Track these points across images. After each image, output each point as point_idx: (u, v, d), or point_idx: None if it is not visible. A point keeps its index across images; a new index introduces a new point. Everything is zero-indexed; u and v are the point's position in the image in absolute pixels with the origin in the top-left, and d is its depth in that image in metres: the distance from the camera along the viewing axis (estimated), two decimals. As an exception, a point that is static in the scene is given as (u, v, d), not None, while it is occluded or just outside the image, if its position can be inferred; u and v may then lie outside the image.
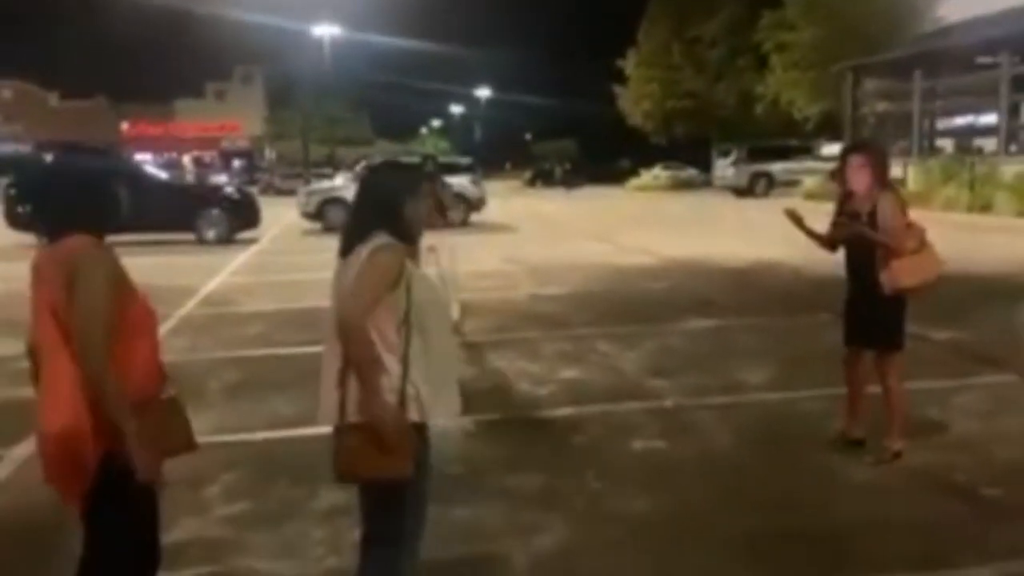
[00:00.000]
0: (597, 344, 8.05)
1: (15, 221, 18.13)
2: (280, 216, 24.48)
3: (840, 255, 5.08)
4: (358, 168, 27.07)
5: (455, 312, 8.79)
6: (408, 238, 3.01)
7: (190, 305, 10.73)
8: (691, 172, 50.21)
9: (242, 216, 19.57)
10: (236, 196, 21.20)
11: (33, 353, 2.79)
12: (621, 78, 53.58)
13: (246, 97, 71.09)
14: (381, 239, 2.89)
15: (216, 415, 6.05)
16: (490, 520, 4.26)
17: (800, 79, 35.55)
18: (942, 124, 29.33)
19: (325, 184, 26.32)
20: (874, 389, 5.04)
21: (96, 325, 2.57)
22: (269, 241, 19.60)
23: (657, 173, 50.49)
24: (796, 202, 27.61)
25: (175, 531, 3.99)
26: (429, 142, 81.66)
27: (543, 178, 60.55)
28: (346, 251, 2.98)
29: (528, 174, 63.89)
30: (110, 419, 2.58)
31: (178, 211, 18.48)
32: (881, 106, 31.01)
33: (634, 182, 50.60)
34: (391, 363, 2.84)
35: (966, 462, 4.85)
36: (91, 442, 2.59)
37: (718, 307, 9.96)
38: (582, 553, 3.93)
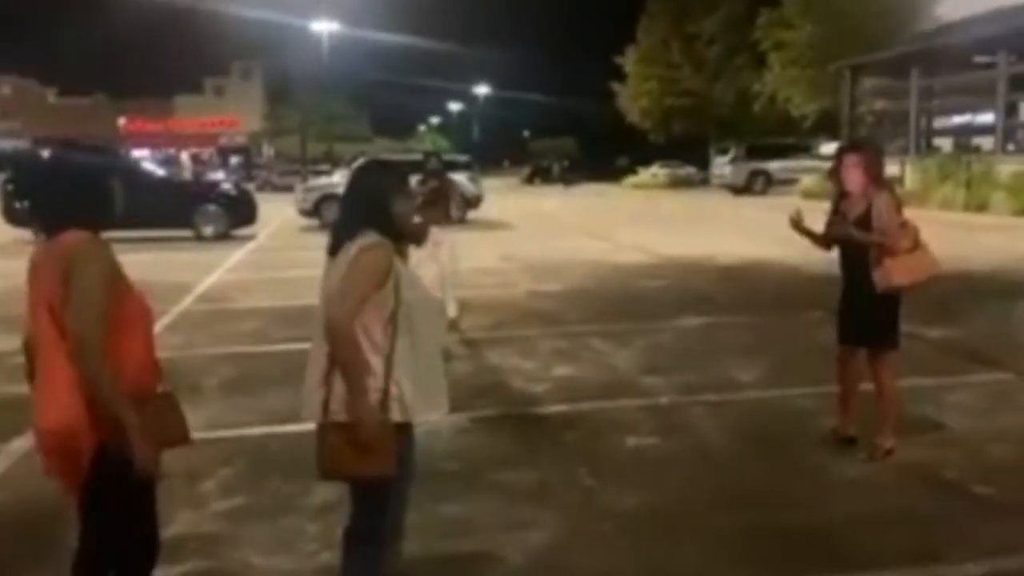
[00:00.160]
0: (593, 341, 8.07)
1: (13, 217, 18.15)
2: (277, 213, 24.49)
3: (835, 253, 5.11)
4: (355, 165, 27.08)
5: (452, 309, 8.84)
6: (396, 236, 3.01)
7: (187, 301, 10.75)
8: (689, 170, 50.23)
9: (239, 213, 19.61)
10: (233, 193, 21.24)
11: (29, 348, 2.82)
12: (620, 76, 53.58)
13: (244, 93, 70.98)
14: (369, 238, 2.90)
15: (212, 411, 6.07)
16: (484, 516, 4.29)
17: (798, 77, 35.59)
18: (940, 123, 29.38)
19: (323, 181, 26.31)
20: (867, 387, 5.07)
21: (92, 320, 2.59)
22: (266, 238, 19.61)
23: (655, 171, 50.51)
24: (794, 200, 27.67)
25: (172, 525, 4.01)
26: (427, 139, 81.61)
27: (541, 175, 60.60)
28: (335, 249, 2.99)
29: (526, 171, 63.94)
30: (110, 413, 2.60)
31: (175, 207, 18.51)
32: (879, 104, 31.07)
33: (632, 180, 50.63)
34: (375, 363, 2.85)
35: (958, 459, 4.87)
36: (87, 436, 2.62)
37: (713, 305, 9.99)
38: (576, 549, 3.95)
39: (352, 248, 2.89)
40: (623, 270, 13.13)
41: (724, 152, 38.18)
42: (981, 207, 20.92)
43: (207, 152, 69.43)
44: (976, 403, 5.91)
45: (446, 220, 8.96)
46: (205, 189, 22.06)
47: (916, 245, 4.86)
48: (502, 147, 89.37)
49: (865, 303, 4.88)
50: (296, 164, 47.95)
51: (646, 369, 7.05)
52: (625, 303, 10.36)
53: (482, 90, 78.65)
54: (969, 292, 9.83)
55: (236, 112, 69.46)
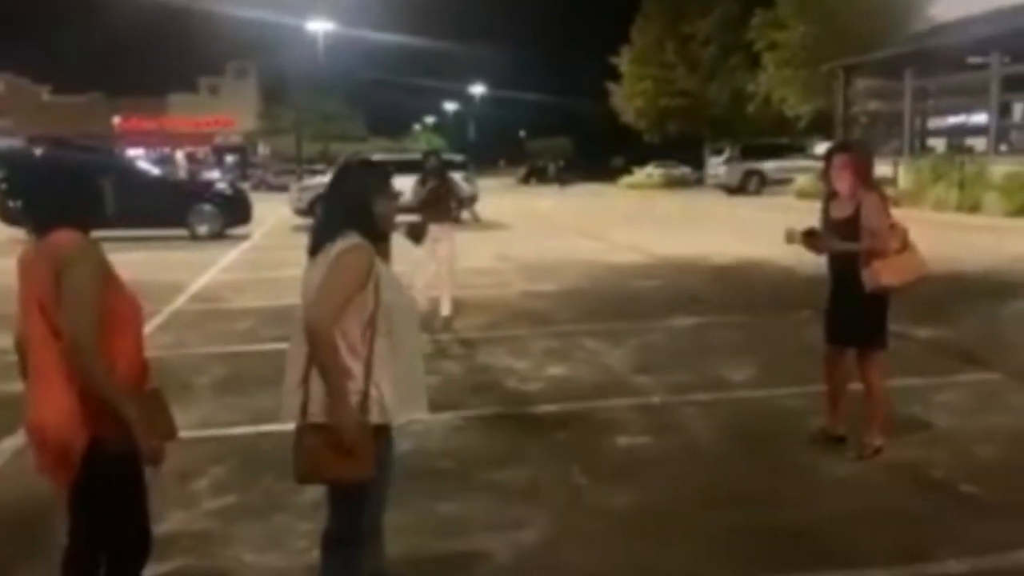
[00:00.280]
0: (586, 341, 8.10)
1: (7, 216, 18.10)
2: (272, 212, 24.49)
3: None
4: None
5: (447, 307, 8.86)
6: (377, 237, 3.00)
7: (180, 301, 10.76)
8: (684, 170, 50.27)
9: (234, 212, 19.63)
10: (228, 192, 21.26)
11: (21, 346, 2.84)
12: (615, 75, 53.61)
13: (240, 92, 70.84)
14: (350, 239, 2.89)
15: (204, 410, 6.10)
16: (477, 515, 4.31)
17: (792, 77, 35.61)
18: (933, 123, 29.45)
19: (318, 180, 26.25)
20: (855, 386, 5.10)
21: (85, 321, 2.62)
22: (261, 237, 19.61)
23: (650, 171, 50.53)
24: (788, 201, 27.74)
25: (164, 523, 4.03)
26: (423, 139, 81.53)
27: (537, 175, 60.62)
28: (315, 250, 2.97)
29: (522, 171, 63.96)
30: (110, 408, 2.63)
31: (170, 207, 18.53)
32: (873, 105, 31.12)
33: (627, 180, 50.65)
34: (354, 365, 2.83)
35: (945, 458, 4.91)
36: (79, 432, 2.64)
37: (706, 304, 10.03)
38: (567, 548, 3.98)
39: (332, 250, 2.87)
40: (617, 270, 13.16)
41: (719, 152, 38.22)
42: (974, 208, 20.97)
43: (202, 151, 69.33)
44: (964, 403, 5.95)
45: (446, 218, 9.01)
46: (200, 188, 22.08)
47: (905, 246, 4.89)
48: (498, 147, 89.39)
49: (854, 303, 4.92)
50: (291, 163, 47.93)
51: (638, 369, 7.08)
52: (619, 303, 10.39)
53: (478, 89, 78.61)
54: (960, 292, 9.88)
55: (231, 111, 69.33)
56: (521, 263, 14.06)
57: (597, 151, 68.76)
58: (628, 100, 52.69)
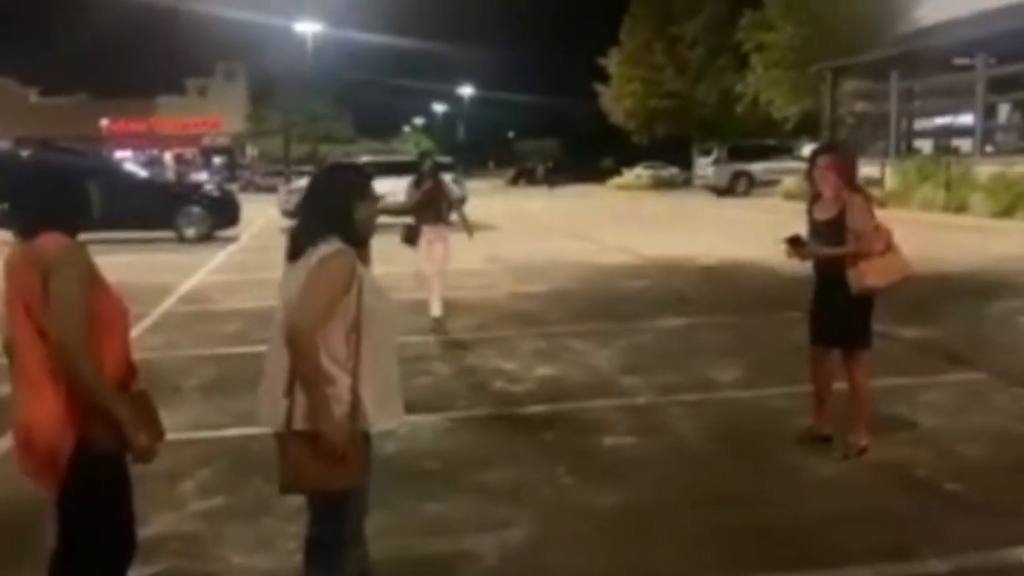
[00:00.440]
0: (573, 342, 8.13)
1: (-5, 218, 18.01)
2: (260, 213, 24.43)
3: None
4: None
5: (437, 308, 8.87)
6: (358, 241, 2.95)
7: (168, 303, 10.74)
8: (672, 171, 50.35)
9: (222, 214, 19.59)
10: (216, 194, 21.23)
11: (8, 349, 2.84)
12: (603, 77, 53.70)
13: (228, 94, 70.59)
14: (332, 244, 2.85)
15: (193, 412, 6.10)
16: (463, 515, 4.33)
17: (780, 79, 35.72)
18: (920, 125, 29.61)
19: (306, 182, 26.27)
20: (840, 386, 5.14)
21: (73, 324, 2.62)
22: (249, 238, 19.57)
23: (639, 172, 50.61)
24: (776, 202, 27.83)
25: (152, 526, 4.04)
26: (412, 140, 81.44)
27: (526, 177, 60.64)
28: (294, 255, 2.92)
29: (511, 173, 64.00)
30: (101, 409, 2.64)
31: (158, 209, 18.48)
32: (859, 106, 31.27)
33: (616, 181, 50.72)
34: (335, 371, 2.80)
35: (930, 458, 4.95)
36: (67, 433, 2.65)
37: (693, 305, 10.07)
38: (553, 548, 4.00)
39: (314, 255, 2.83)
40: (606, 271, 13.20)
41: (707, 153, 38.30)
42: (960, 208, 21.10)
43: (190, 152, 69.08)
44: (949, 402, 5.99)
45: (441, 220, 9.05)
46: (188, 190, 22.03)
47: (889, 247, 4.93)
48: (487, 148, 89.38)
49: (840, 304, 4.95)
50: (279, 165, 47.81)
51: (626, 369, 7.11)
52: (607, 304, 10.42)
53: (467, 91, 78.57)
54: (946, 293, 9.94)
55: (219, 113, 69.10)
56: (510, 264, 14.08)
57: (586, 152, 68.82)
58: (617, 101, 52.79)
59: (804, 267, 5.43)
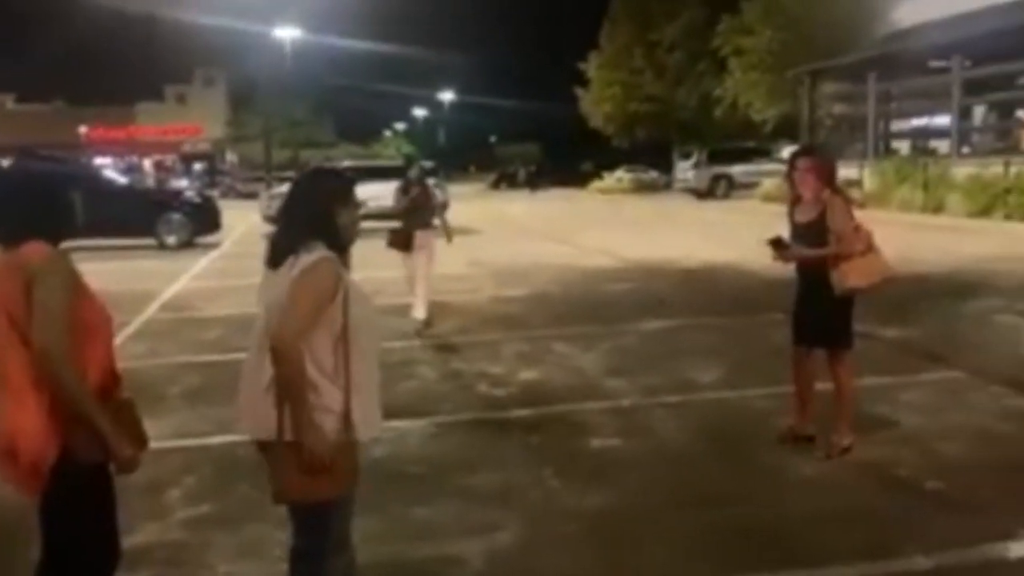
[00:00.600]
0: (557, 345, 8.15)
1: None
2: (242, 219, 24.32)
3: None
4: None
5: (421, 311, 8.88)
6: (341, 247, 2.89)
7: (150, 310, 10.68)
8: (653, 175, 50.50)
9: (203, 221, 19.50)
10: (197, 200, 21.11)
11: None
12: (583, 81, 53.85)
13: (207, 100, 70.26)
14: (316, 251, 2.77)
15: (177, 419, 6.07)
16: (450, 519, 4.34)
17: (758, 82, 35.97)
18: (897, 126, 29.88)
19: (287, 187, 26.19)
20: (822, 386, 5.19)
21: (56, 332, 2.61)
22: (231, 245, 19.49)
23: (620, 176, 50.74)
24: (755, 204, 28.00)
25: (137, 535, 4.02)
26: (393, 145, 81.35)
27: (507, 181, 60.79)
28: (275, 261, 2.85)
29: (492, 177, 64.07)
30: (83, 419, 2.63)
31: (138, 216, 18.37)
32: (838, 108, 31.54)
33: (597, 184, 50.82)
34: (321, 381, 2.74)
35: (911, 456, 5.01)
36: (50, 441, 2.64)
37: (675, 308, 10.12)
38: (539, 550, 4.02)
39: (297, 263, 2.76)
40: (588, 274, 13.24)
41: (687, 157, 38.50)
42: (938, 208, 21.31)
43: (170, 159, 68.68)
44: (929, 401, 6.06)
45: (427, 225, 9.10)
46: (168, 197, 21.93)
47: (869, 248, 4.99)
48: (468, 153, 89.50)
49: (822, 305, 5.00)
50: (260, 171, 47.62)
51: (610, 372, 7.14)
52: (590, 307, 10.45)
53: (447, 96, 78.62)
54: (924, 292, 10.04)
55: (199, 119, 68.75)
56: (492, 268, 14.10)
57: (567, 156, 68.97)
58: (597, 105, 52.96)
59: (784, 269, 5.48)
